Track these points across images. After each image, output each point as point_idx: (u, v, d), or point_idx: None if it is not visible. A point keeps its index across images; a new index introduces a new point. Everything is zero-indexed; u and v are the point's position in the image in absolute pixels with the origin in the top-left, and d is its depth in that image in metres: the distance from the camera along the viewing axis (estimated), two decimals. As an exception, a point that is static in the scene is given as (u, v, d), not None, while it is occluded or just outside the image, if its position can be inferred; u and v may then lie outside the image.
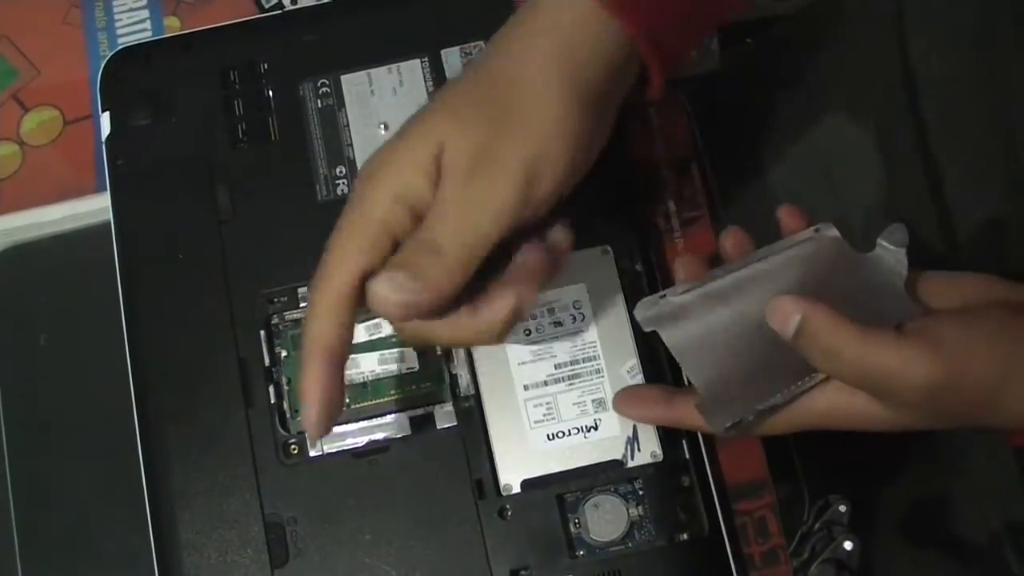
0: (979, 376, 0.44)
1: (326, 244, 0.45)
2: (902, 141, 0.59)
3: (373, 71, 0.60)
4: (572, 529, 0.52)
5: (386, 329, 0.55)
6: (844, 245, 0.49)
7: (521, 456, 0.53)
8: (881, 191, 0.61)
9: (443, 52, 0.60)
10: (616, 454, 0.53)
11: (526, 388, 0.54)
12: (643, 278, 0.56)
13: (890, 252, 0.48)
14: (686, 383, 0.53)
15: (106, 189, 0.59)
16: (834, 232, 0.50)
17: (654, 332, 0.52)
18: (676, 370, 0.54)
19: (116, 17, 0.68)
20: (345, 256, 0.44)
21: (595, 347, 0.54)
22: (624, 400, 0.52)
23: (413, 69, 0.60)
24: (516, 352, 0.54)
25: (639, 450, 0.53)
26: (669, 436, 0.53)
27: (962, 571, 0.60)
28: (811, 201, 0.65)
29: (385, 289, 0.43)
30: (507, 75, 0.44)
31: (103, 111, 0.60)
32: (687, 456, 0.53)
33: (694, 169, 0.61)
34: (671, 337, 0.49)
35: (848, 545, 0.57)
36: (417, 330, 0.45)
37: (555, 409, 0.53)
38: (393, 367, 0.54)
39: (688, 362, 0.49)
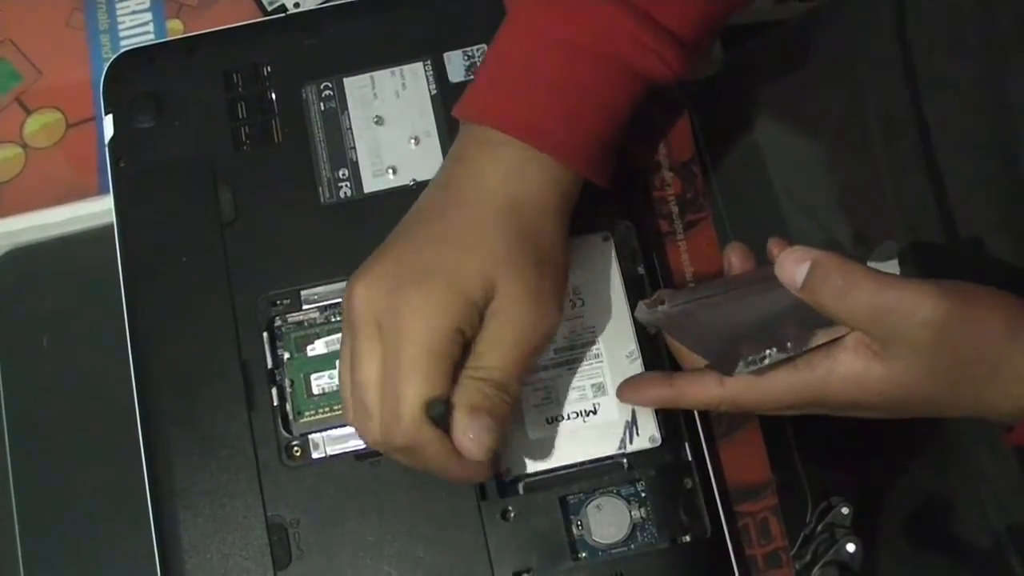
0: (986, 324, 0.45)
1: (385, 376, 0.47)
2: (904, 142, 0.59)
3: (376, 74, 0.60)
4: (574, 531, 0.52)
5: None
6: None
7: (521, 439, 0.53)
8: (882, 192, 0.61)
9: (445, 55, 0.60)
10: (615, 439, 0.53)
11: None
12: (645, 280, 0.56)
13: (882, 269, 0.48)
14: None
15: (109, 191, 0.59)
16: None
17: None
18: (673, 359, 0.54)
19: (119, 20, 0.68)
20: (415, 383, 0.47)
21: (594, 332, 0.54)
22: (626, 387, 0.52)
23: (416, 72, 0.60)
24: None
25: (638, 434, 0.53)
26: (668, 421, 0.53)
27: (964, 573, 0.60)
28: (812, 202, 0.65)
29: (483, 435, 0.47)
30: (538, 227, 0.50)
31: (106, 113, 0.60)
32: (689, 458, 0.53)
33: (696, 171, 0.61)
34: (671, 331, 0.51)
35: (851, 547, 0.57)
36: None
37: (554, 393, 0.53)
38: (396, 369, 0.54)
39: (689, 342, 0.50)
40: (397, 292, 0.47)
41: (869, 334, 0.46)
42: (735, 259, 0.51)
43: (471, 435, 0.47)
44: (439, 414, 0.47)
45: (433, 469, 0.48)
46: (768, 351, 0.46)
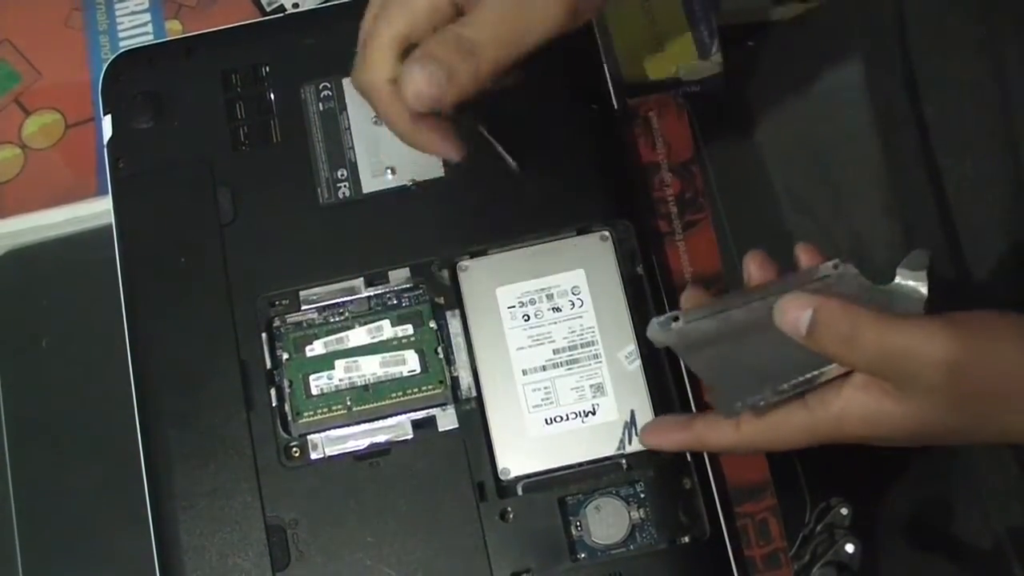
0: (1001, 352, 0.43)
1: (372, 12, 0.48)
2: (903, 142, 0.59)
3: (374, 74, 0.60)
4: (573, 532, 0.52)
5: (387, 332, 0.55)
6: (864, 281, 0.48)
7: (520, 440, 0.53)
8: (882, 193, 0.61)
9: (444, 55, 0.60)
10: (614, 440, 0.53)
11: (525, 372, 0.54)
12: (644, 281, 0.56)
13: (909, 280, 0.47)
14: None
15: (108, 192, 0.59)
16: (854, 270, 0.49)
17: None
18: (673, 357, 0.54)
19: (118, 20, 0.68)
20: (393, 23, 0.47)
21: (593, 332, 0.54)
22: (647, 431, 0.52)
23: (414, 72, 0.59)
24: (515, 337, 0.54)
25: (637, 435, 0.53)
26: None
27: (964, 575, 0.60)
28: (812, 203, 0.65)
29: (420, 78, 0.46)
30: None
31: (105, 114, 0.60)
32: (688, 458, 0.53)
33: (695, 172, 0.61)
34: (681, 350, 0.49)
35: (849, 548, 0.57)
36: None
37: (553, 393, 0.53)
38: (395, 370, 0.54)
39: (697, 366, 0.49)
40: None
41: (881, 377, 0.45)
42: (754, 268, 0.50)
43: (413, 75, 0.46)
44: None
45: (388, 120, 0.49)
46: (764, 394, 0.45)
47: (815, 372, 0.45)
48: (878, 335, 0.44)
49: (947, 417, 0.44)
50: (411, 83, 0.46)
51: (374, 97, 0.48)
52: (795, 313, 0.45)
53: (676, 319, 0.48)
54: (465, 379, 0.54)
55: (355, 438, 0.54)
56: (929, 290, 0.47)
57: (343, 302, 0.56)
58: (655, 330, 0.48)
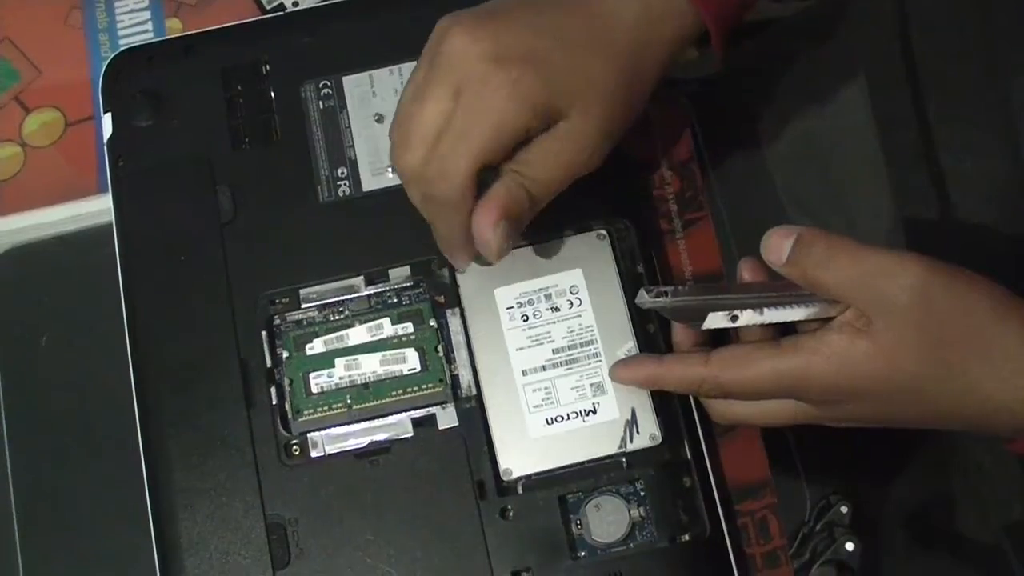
0: (973, 298, 0.44)
1: (457, 124, 0.48)
2: (905, 141, 0.59)
3: (375, 72, 0.60)
4: (574, 530, 0.52)
5: (387, 330, 0.55)
6: None
7: (521, 441, 0.53)
8: (884, 192, 0.61)
9: (444, 53, 0.59)
10: (615, 438, 0.53)
11: (524, 373, 0.54)
12: (644, 279, 0.56)
13: None
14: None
15: (108, 190, 0.59)
16: None
17: (652, 317, 0.54)
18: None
19: (118, 18, 0.68)
20: (477, 143, 0.48)
21: (592, 331, 0.54)
22: (617, 366, 0.53)
23: (415, 70, 0.60)
24: (514, 338, 0.54)
25: (638, 433, 0.53)
26: (668, 420, 0.53)
27: (963, 573, 0.60)
28: (813, 202, 0.65)
29: (501, 237, 0.49)
30: (646, 74, 0.51)
31: (105, 112, 0.60)
32: (688, 456, 0.53)
33: (695, 170, 0.61)
34: (667, 314, 0.51)
35: (849, 546, 0.57)
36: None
37: (554, 393, 0.53)
38: (395, 368, 0.54)
39: (682, 320, 0.51)
40: (494, 64, 0.48)
41: (855, 304, 0.45)
42: (747, 274, 0.51)
43: (497, 231, 0.48)
44: (486, 182, 0.49)
45: (441, 230, 0.50)
46: (741, 311, 0.46)
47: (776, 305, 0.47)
48: (853, 256, 0.45)
49: (914, 354, 0.45)
50: (493, 243, 0.49)
51: (447, 214, 0.50)
52: (778, 241, 0.46)
53: (665, 294, 0.50)
54: (465, 377, 0.54)
55: (355, 436, 0.54)
56: None
57: (343, 300, 0.56)
58: (643, 298, 0.51)
